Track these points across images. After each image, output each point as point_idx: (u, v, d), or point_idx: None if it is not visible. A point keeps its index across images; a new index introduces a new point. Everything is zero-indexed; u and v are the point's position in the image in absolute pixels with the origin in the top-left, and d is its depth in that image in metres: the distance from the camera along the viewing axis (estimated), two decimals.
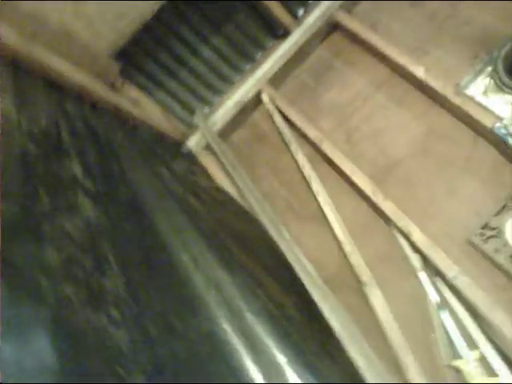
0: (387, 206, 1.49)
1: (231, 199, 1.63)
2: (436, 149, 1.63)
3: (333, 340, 1.21)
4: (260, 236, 1.38)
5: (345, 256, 1.50)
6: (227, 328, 0.98)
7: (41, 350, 0.70)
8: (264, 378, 0.95)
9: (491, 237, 1.46)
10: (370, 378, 1.15)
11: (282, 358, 0.96)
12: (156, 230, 1.16)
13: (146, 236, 1.13)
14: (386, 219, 1.52)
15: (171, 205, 1.27)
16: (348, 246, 1.48)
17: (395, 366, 1.40)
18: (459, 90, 1.62)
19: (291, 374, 0.95)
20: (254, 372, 0.96)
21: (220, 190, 1.66)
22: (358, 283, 1.48)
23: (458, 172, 1.56)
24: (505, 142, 1.50)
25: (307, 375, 0.93)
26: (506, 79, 1.62)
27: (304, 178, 1.67)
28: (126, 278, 0.96)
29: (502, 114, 1.54)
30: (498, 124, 1.51)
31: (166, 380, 0.88)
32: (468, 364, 1.37)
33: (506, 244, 1.43)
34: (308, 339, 1.07)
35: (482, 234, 1.46)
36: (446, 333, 1.42)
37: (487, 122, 1.52)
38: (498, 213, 1.47)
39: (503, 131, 1.50)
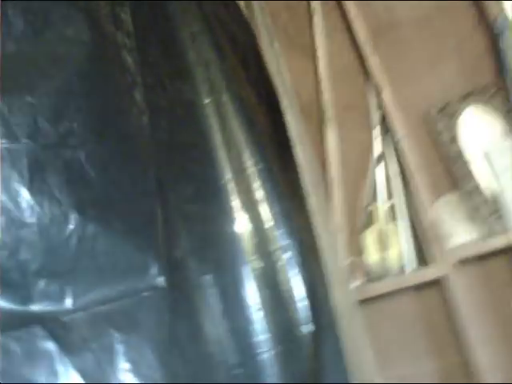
0: (373, 60, 1.59)
1: None
2: (438, 21, 1.65)
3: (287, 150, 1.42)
4: (249, 44, 1.46)
5: (319, 92, 1.64)
6: (206, 102, 1.13)
7: None
8: (225, 147, 1.15)
9: (446, 115, 1.62)
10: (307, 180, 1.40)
11: (242, 138, 1.16)
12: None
13: None
14: (366, 73, 1.64)
15: None
16: (326, 83, 1.61)
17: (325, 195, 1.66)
18: None
19: (247, 152, 1.16)
20: (219, 142, 1.15)
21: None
22: (321, 120, 1.66)
23: (448, 50, 1.62)
24: (500, 35, 1.54)
25: (258, 153, 1.14)
26: None
27: (309, 7, 1.69)
28: None
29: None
30: (503, 14, 1.53)
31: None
32: (379, 210, 1.66)
33: (454, 125, 1.62)
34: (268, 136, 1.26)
35: (440, 111, 1.62)
36: (375, 183, 1.68)
37: (494, 10, 1.54)
38: (462, 98, 1.61)
39: (505, 23, 1.52)
